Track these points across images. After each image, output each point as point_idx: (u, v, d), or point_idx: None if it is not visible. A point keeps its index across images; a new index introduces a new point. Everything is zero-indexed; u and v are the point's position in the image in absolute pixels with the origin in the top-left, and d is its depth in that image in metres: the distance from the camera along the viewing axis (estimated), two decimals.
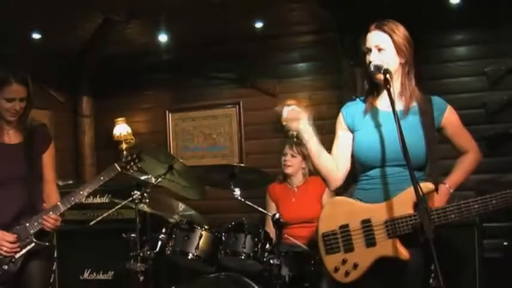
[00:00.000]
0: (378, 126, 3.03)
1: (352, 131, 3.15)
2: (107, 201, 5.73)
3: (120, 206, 4.82)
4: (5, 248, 3.52)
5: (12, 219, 3.60)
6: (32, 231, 3.61)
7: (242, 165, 4.77)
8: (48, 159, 3.86)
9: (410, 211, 2.84)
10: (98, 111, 7.59)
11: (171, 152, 6.81)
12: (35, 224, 3.62)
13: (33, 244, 3.61)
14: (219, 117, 6.96)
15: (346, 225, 2.96)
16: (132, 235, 4.74)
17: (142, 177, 5.19)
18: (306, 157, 5.13)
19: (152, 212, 4.90)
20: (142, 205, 4.71)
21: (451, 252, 4.61)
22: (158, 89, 7.36)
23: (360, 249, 2.92)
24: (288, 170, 5.23)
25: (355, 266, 2.92)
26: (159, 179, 4.71)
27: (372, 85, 3.13)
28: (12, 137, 3.73)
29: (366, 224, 2.92)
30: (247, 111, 6.85)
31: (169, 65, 7.13)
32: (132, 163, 3.99)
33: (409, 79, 3.05)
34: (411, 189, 2.70)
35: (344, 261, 2.95)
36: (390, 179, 2.96)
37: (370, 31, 3.06)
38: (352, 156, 3.14)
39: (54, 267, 3.95)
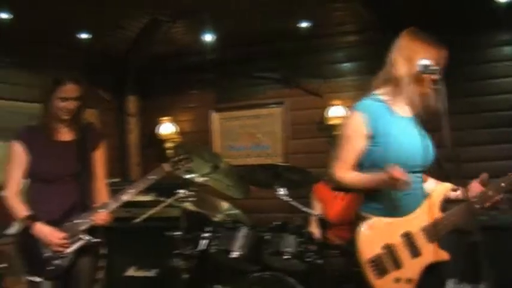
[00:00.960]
0: (403, 131, 2.97)
1: (372, 135, 2.97)
2: (151, 199, 5.78)
3: (165, 204, 4.88)
4: (55, 244, 3.63)
5: (64, 216, 3.71)
6: (82, 228, 3.70)
7: (287, 164, 4.76)
8: (99, 157, 3.97)
9: (439, 213, 2.89)
10: (144, 110, 7.70)
11: (216, 151, 6.82)
12: (86, 220, 3.70)
13: (83, 241, 3.70)
14: (264, 117, 6.99)
15: (389, 244, 2.90)
16: (177, 233, 4.78)
17: (187, 176, 5.24)
18: None
19: (197, 210, 4.93)
20: (187, 204, 4.75)
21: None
22: (203, 88, 7.43)
23: (408, 262, 2.88)
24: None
25: (409, 280, 2.87)
26: (204, 178, 4.74)
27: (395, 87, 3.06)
28: (65, 134, 3.84)
29: (407, 236, 2.89)
30: (292, 111, 6.86)
31: (214, 65, 7.16)
32: (181, 164, 4.03)
33: None
34: (435, 192, 2.81)
35: (397, 280, 2.88)
36: (417, 185, 2.94)
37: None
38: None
39: (102, 264, 3.99)
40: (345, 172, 2.99)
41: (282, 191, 4.59)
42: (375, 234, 2.92)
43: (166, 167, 3.95)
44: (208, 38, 6.60)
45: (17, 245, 3.81)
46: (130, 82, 7.62)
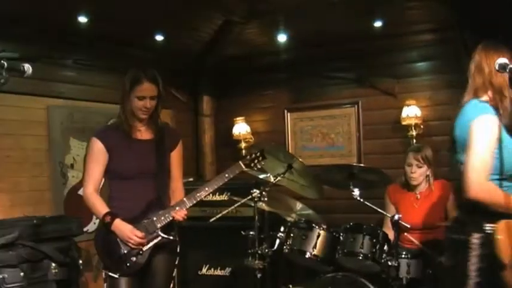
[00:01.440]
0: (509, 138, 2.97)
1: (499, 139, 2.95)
2: (226, 198, 5.84)
3: (240, 203, 4.90)
4: (133, 241, 3.71)
5: (141, 213, 3.81)
6: (159, 226, 3.78)
7: (362, 165, 4.74)
8: (176, 157, 4.06)
9: None
10: (218, 111, 7.78)
11: (290, 151, 6.84)
12: (162, 218, 3.78)
13: (159, 238, 3.78)
14: (338, 117, 6.97)
15: None
16: (251, 233, 4.80)
17: (262, 176, 5.28)
18: (431, 163, 5.01)
19: (270, 210, 4.97)
20: (261, 203, 4.78)
21: None
22: (277, 88, 7.45)
23: None
24: (414, 182, 5.03)
25: None
26: (279, 178, 4.77)
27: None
28: (143, 133, 3.94)
29: None
30: (366, 111, 6.82)
31: (288, 65, 7.19)
32: (256, 161, 4.07)
33: None
34: None
35: None
36: None
37: None
38: None
39: (177, 262, 4.06)
40: (485, 179, 2.90)
41: (356, 192, 4.59)
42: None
43: (242, 164, 4.00)
44: (281, 38, 6.62)
45: (96, 241, 3.91)
46: (205, 83, 7.70)
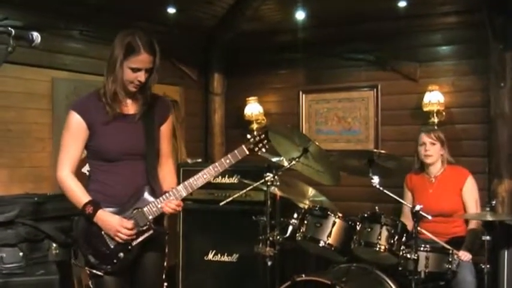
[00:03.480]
0: None
1: None
2: (235, 181, 5.79)
3: (252, 187, 4.84)
4: (121, 235, 3.38)
5: (129, 201, 3.47)
6: (151, 217, 3.45)
7: (382, 151, 4.65)
8: (166, 131, 3.69)
9: None
10: (230, 90, 7.72)
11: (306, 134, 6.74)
12: (154, 209, 3.45)
13: (151, 231, 3.46)
14: (355, 100, 6.89)
15: None
16: (262, 218, 4.73)
17: (274, 159, 5.21)
18: (444, 142, 5.08)
19: (283, 195, 4.90)
20: (273, 188, 4.68)
21: None
22: (292, 68, 7.36)
23: None
24: (429, 160, 5.11)
25: None
26: (293, 162, 4.67)
27: None
28: (130, 107, 3.54)
29: None
30: (385, 95, 6.73)
31: (305, 44, 7.08)
32: (260, 144, 3.68)
33: None
34: None
35: None
36: None
37: None
38: None
39: (166, 251, 3.88)
40: None
41: (376, 179, 4.50)
42: None
43: (246, 149, 3.64)
44: (299, 16, 6.51)
45: (77, 234, 3.55)
46: (217, 60, 7.63)
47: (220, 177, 5.80)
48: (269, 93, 7.52)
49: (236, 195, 4.97)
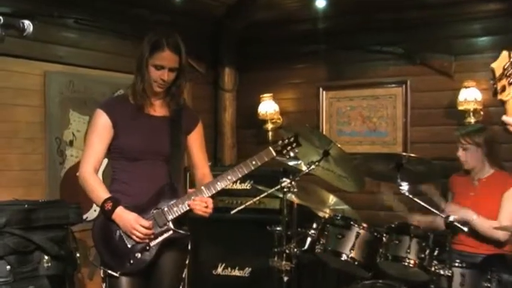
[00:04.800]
0: None
1: None
2: (248, 187, 5.80)
3: (266, 194, 4.85)
4: (138, 234, 3.58)
5: (150, 201, 3.69)
6: (170, 218, 3.66)
7: (412, 155, 4.63)
8: (197, 140, 4.02)
9: None
10: (242, 85, 7.71)
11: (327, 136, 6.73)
12: (175, 209, 3.66)
13: (170, 232, 3.66)
14: (381, 98, 6.83)
15: None
16: (277, 228, 4.77)
17: (292, 163, 5.20)
18: (480, 144, 5.00)
19: (300, 203, 4.91)
20: (290, 194, 4.70)
21: None
22: (311, 62, 7.32)
23: None
24: (465, 166, 5.09)
25: None
26: (312, 166, 4.67)
27: None
28: (157, 109, 3.86)
29: None
30: (415, 92, 6.67)
31: (326, 35, 7.04)
32: (289, 147, 3.91)
33: None
34: None
35: None
36: None
37: None
38: None
39: (187, 261, 3.96)
40: None
41: (404, 186, 4.48)
42: None
43: (273, 150, 3.85)
44: (320, 3, 6.45)
45: (94, 232, 3.77)
46: (227, 52, 7.62)
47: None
48: (285, 89, 7.49)
49: (249, 203, 4.97)
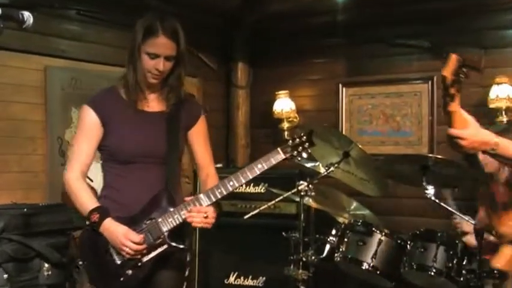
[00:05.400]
0: None
1: None
2: (262, 191, 5.79)
3: (282, 197, 4.86)
4: (128, 250, 3.38)
5: (143, 211, 3.49)
6: (165, 229, 3.44)
7: (438, 156, 4.58)
8: (200, 135, 3.75)
9: None
10: (256, 82, 7.72)
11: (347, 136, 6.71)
12: (170, 220, 3.45)
13: (165, 246, 3.46)
14: (406, 95, 6.80)
15: None
16: (294, 235, 4.76)
17: (309, 165, 5.17)
18: None
19: (318, 207, 4.90)
20: (307, 198, 4.71)
21: None
22: (330, 56, 7.33)
23: None
24: (486, 169, 4.98)
25: None
26: (331, 168, 4.65)
27: None
28: (152, 104, 3.64)
29: None
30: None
31: (346, 28, 7.03)
32: (300, 148, 3.58)
33: None
34: None
35: None
36: None
37: None
38: None
39: (186, 274, 3.86)
40: None
41: (430, 190, 4.42)
42: None
43: (282, 152, 3.54)
44: None
45: (80, 245, 3.70)
46: (241, 46, 7.64)
47: (244, 185, 5.77)
48: (302, 86, 7.49)
49: (263, 207, 4.96)
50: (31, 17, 2.64)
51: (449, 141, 2.83)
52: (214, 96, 7.49)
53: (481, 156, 4.95)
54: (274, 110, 7.23)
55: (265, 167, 3.49)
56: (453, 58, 2.75)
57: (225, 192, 3.48)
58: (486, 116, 6.15)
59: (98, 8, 5.91)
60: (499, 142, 2.83)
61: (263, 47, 7.64)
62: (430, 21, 6.66)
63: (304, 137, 3.60)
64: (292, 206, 5.44)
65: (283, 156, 3.53)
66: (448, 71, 2.74)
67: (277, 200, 4.91)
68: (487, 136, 2.84)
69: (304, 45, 7.40)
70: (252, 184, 5.85)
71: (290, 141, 3.60)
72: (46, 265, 4.68)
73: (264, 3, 6.97)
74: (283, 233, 4.84)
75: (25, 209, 4.74)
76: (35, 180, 5.48)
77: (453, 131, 2.75)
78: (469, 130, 2.77)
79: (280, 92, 7.23)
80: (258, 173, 3.50)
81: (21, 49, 5.27)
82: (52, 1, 5.50)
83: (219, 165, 6.44)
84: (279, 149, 3.54)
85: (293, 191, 4.67)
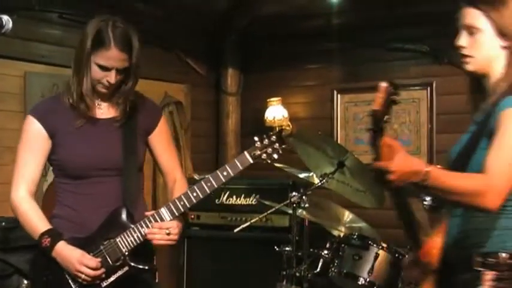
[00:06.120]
0: None
1: None
2: (253, 203, 5.79)
3: (274, 209, 4.86)
4: (83, 276, 3.22)
5: (100, 231, 3.34)
6: (125, 250, 3.29)
7: (438, 166, 4.60)
8: (163, 140, 3.62)
9: None
10: (247, 88, 7.75)
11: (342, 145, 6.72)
12: (129, 240, 3.29)
13: (126, 268, 3.30)
14: (404, 102, 6.79)
15: None
16: (286, 248, 4.76)
17: (302, 175, 5.19)
18: None
19: (312, 220, 4.92)
20: (300, 210, 4.72)
21: None
22: (325, 62, 7.37)
23: None
24: None
25: None
26: (325, 179, 4.67)
27: None
28: (105, 110, 3.47)
29: None
30: (442, 96, 6.70)
31: (341, 32, 7.06)
32: (270, 149, 3.36)
33: None
34: None
35: None
36: None
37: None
38: None
39: None
40: None
41: (428, 200, 4.45)
42: None
43: (249, 156, 3.34)
44: None
45: (33, 270, 3.52)
46: (230, 51, 7.68)
47: (234, 197, 5.81)
48: (296, 92, 7.55)
49: (254, 220, 4.97)
50: (10, 21, 2.61)
51: (376, 178, 2.67)
52: (203, 103, 7.51)
53: None
54: (266, 117, 7.26)
55: (232, 174, 3.32)
56: (382, 88, 2.59)
57: (188, 205, 3.31)
58: None
59: (80, 12, 5.82)
60: (431, 171, 2.59)
61: (254, 51, 7.68)
62: (428, 25, 6.66)
63: (274, 137, 3.41)
64: (284, 218, 5.44)
65: (251, 161, 3.35)
66: (378, 104, 2.60)
67: (269, 212, 4.91)
68: (417, 165, 2.61)
69: (297, 50, 7.44)
70: (242, 195, 5.84)
71: (258, 143, 3.39)
72: (25, 282, 4.64)
73: (255, 6, 7.00)
74: (276, 247, 4.83)
75: (3, 223, 4.71)
76: None
77: (380, 164, 2.59)
78: (396, 160, 2.54)
79: (272, 99, 7.26)
80: (224, 180, 3.32)
81: (0, 54, 5.28)
82: (33, 4, 5.49)
83: (207, 176, 6.49)
84: (245, 152, 3.38)
85: (285, 203, 4.69)
